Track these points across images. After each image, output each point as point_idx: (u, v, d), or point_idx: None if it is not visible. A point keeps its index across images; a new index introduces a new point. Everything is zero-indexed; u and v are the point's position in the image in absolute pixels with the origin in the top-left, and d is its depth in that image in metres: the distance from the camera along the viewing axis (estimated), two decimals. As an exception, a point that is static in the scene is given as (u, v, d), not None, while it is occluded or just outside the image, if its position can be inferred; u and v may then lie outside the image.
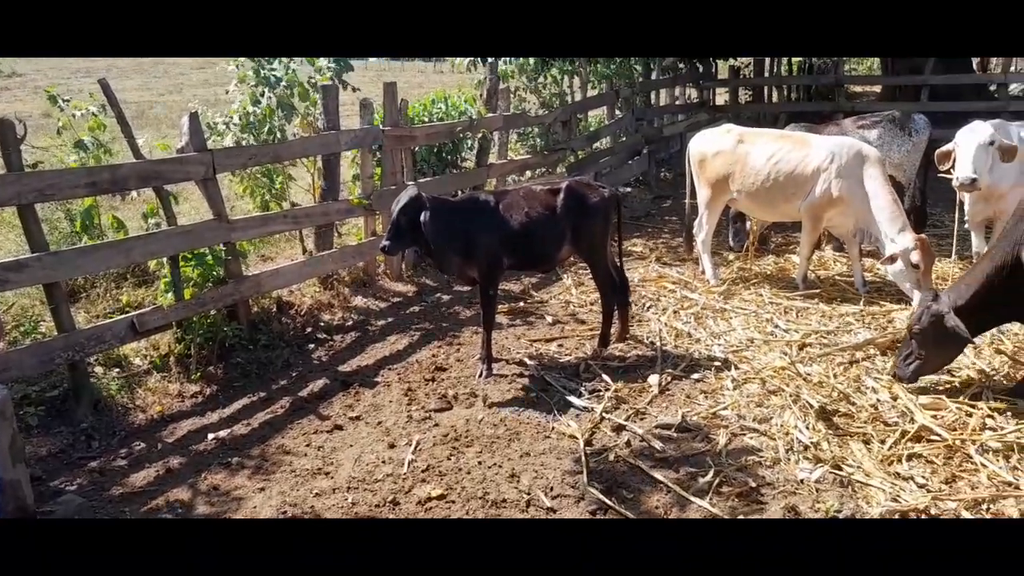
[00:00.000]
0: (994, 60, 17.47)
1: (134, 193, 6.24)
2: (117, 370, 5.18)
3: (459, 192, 7.71)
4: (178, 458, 4.33)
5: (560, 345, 5.76)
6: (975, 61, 20.26)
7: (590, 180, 6.11)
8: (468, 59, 11.46)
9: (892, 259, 5.83)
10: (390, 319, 6.52)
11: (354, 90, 7.35)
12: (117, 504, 3.88)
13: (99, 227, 6.05)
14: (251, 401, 5.04)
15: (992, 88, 14.80)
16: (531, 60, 11.22)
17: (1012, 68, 20.25)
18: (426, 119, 8.47)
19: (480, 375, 5.19)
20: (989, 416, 4.23)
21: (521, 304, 6.75)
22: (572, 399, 4.79)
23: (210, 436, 4.57)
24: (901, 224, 5.92)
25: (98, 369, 5.08)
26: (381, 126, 7.09)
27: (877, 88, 18.26)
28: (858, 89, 20.78)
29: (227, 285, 5.60)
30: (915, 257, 5.66)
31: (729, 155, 6.72)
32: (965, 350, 4.62)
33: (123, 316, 5.04)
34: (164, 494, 3.95)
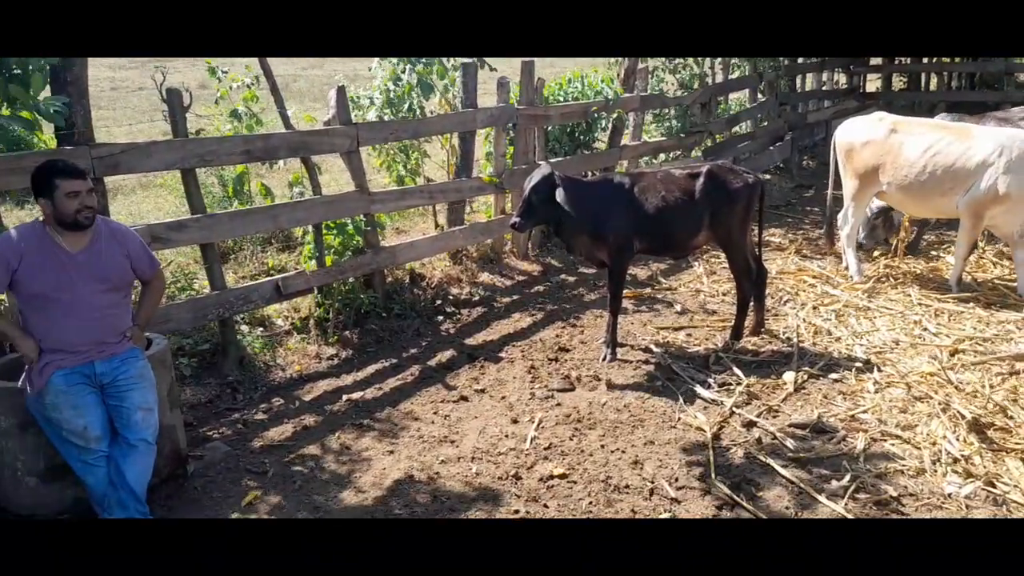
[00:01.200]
0: None
1: (281, 163, 6.57)
2: (261, 329, 5.50)
3: (590, 173, 7.64)
4: (313, 416, 4.55)
5: (688, 335, 5.61)
6: None
7: (732, 165, 5.90)
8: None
9: None
10: (515, 297, 6.57)
11: (491, 69, 7.40)
12: (258, 455, 4.12)
13: (248, 193, 6.42)
14: (383, 367, 5.22)
15: None
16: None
17: None
18: (561, 98, 8.41)
19: (604, 358, 5.14)
20: None
21: (648, 290, 6.62)
22: (700, 390, 4.66)
23: (344, 397, 4.77)
24: None
25: (244, 327, 5.40)
26: (516, 105, 7.11)
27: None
28: None
29: (365, 255, 5.80)
30: None
31: (880, 145, 6.30)
32: None
33: (268, 279, 5.33)
34: (300, 449, 4.16)
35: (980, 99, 13.28)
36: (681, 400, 4.57)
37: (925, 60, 16.81)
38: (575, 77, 8.96)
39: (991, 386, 4.48)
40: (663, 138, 9.69)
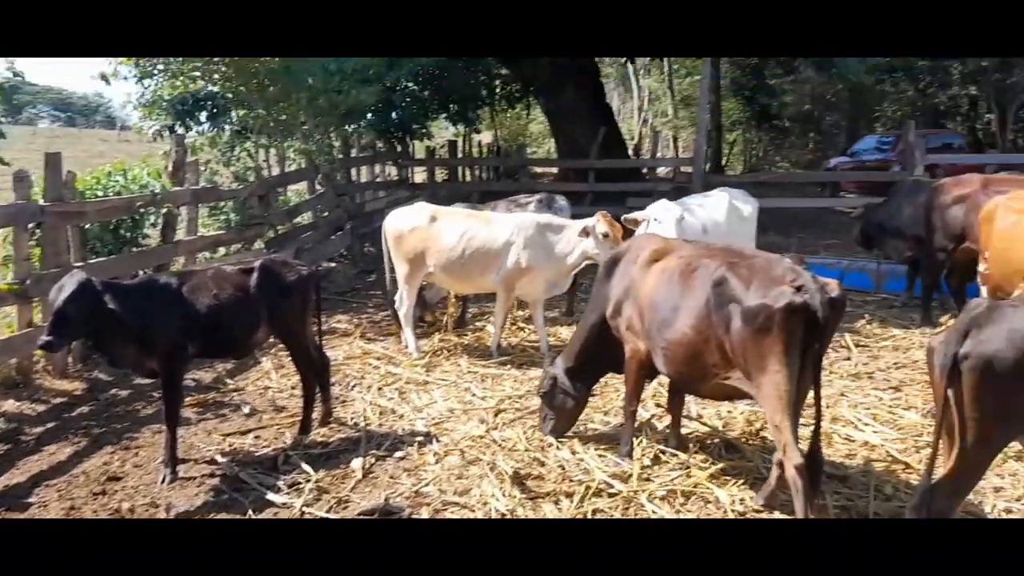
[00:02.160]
0: (645, 146, 20.49)
1: None
2: None
3: (141, 273, 7.03)
4: None
5: (257, 437, 5.41)
6: (631, 148, 23.56)
7: (286, 258, 5.94)
8: (154, 127, 10.70)
9: (586, 232, 6.60)
10: (51, 424, 5.65)
11: (4, 163, 6.44)
12: None
13: None
14: None
15: (644, 171, 17.22)
16: (225, 132, 10.80)
17: (659, 154, 23.93)
18: (100, 193, 7.67)
19: (163, 480, 4.66)
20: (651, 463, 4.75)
21: (213, 394, 6.26)
22: (271, 496, 4.49)
23: None
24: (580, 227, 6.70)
25: None
26: (42, 201, 6.26)
27: (555, 169, 20.31)
28: (539, 170, 23.01)
29: None
30: (600, 227, 6.50)
31: (424, 231, 6.98)
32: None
33: None
34: None
35: (505, 188, 15.62)
36: (251, 511, 4.34)
37: (460, 155, 19.28)
38: (116, 170, 8.26)
39: (527, 438, 5.14)
40: (221, 232, 9.41)
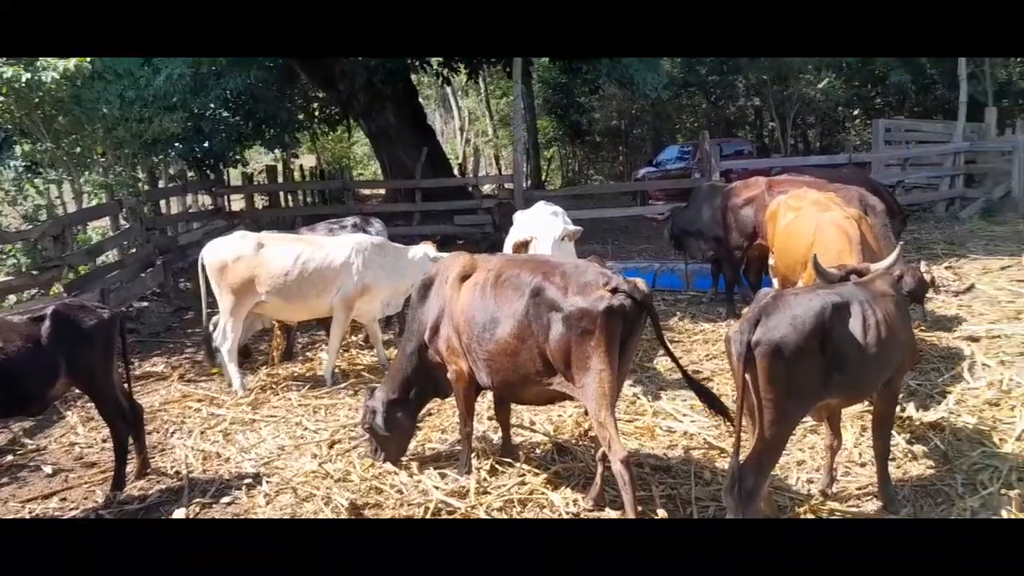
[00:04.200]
0: (470, 165, 20.82)
1: None
2: None
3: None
4: None
5: (64, 499, 4.92)
6: (456, 167, 23.88)
7: (84, 301, 5.46)
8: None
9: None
10: None
11: None
12: None
13: None
14: None
15: (469, 189, 17.47)
16: (8, 169, 9.82)
17: (481, 172, 24.42)
18: None
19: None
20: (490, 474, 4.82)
21: (9, 458, 5.62)
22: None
23: None
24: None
25: None
26: None
27: (382, 191, 20.16)
28: (368, 192, 22.74)
29: None
30: (431, 252, 6.86)
31: (252, 259, 6.71)
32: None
33: None
34: None
35: (330, 212, 15.27)
36: (57, 581, 3.93)
37: (280, 181, 18.66)
38: None
39: (363, 467, 5.03)
40: (10, 277, 8.51)
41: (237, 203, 16.91)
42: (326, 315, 7.02)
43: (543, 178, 29.36)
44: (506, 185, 16.38)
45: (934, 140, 16.81)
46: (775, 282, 6.69)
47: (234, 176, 17.30)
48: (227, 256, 6.77)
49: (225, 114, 14.84)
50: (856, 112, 25.96)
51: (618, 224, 16.18)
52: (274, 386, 6.90)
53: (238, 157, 15.92)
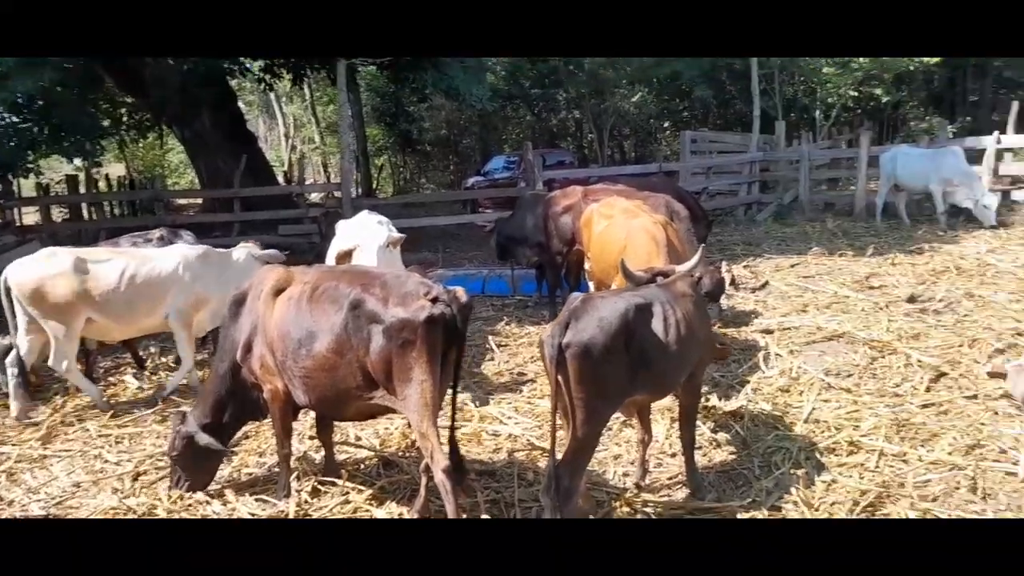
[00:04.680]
0: (296, 174, 20.12)
1: None
2: None
3: None
4: None
5: None
6: (281, 175, 23.00)
7: None
8: None
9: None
10: None
11: None
12: None
13: None
14: None
15: (295, 197, 16.87)
16: None
17: (309, 180, 23.73)
18: None
19: None
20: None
21: None
22: None
23: None
24: None
25: None
26: None
27: (199, 200, 19.05)
28: (184, 202, 21.41)
29: None
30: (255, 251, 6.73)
31: (72, 277, 6.12)
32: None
33: None
34: None
35: (140, 224, 14.19)
36: None
37: (83, 191, 17.12)
38: None
39: (171, 498, 4.67)
40: None
41: (30, 216, 15.32)
42: (165, 330, 6.65)
43: (374, 186, 28.98)
44: (335, 193, 16.00)
45: (733, 150, 18.34)
46: (591, 286, 6.98)
47: (27, 187, 15.65)
48: (44, 275, 6.14)
49: (15, 120, 13.43)
50: (666, 124, 27.78)
51: (449, 231, 16.28)
52: (71, 417, 6.27)
53: (30, 166, 14.43)
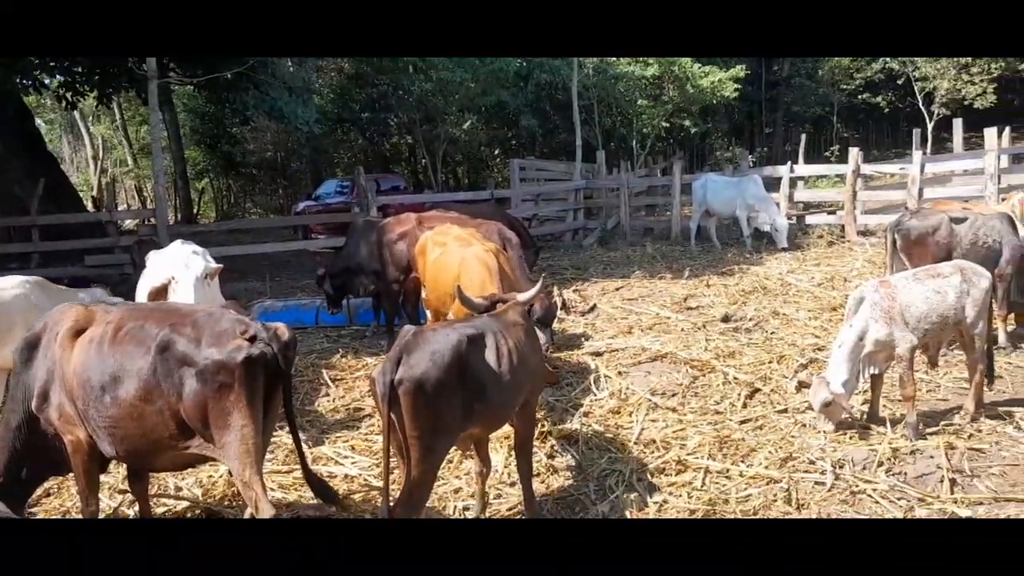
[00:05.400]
0: (106, 202, 18.48)
1: None
2: None
3: None
4: None
5: None
6: (90, 200, 21.08)
7: None
8: None
9: None
10: None
11: None
12: None
13: None
14: None
15: (105, 224, 15.45)
16: None
17: (121, 206, 21.96)
18: None
19: None
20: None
21: None
22: None
23: None
24: None
25: None
26: None
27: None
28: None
29: None
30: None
31: None
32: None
33: None
34: None
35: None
36: None
37: None
38: None
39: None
40: None
41: None
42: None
43: (195, 211, 27.36)
44: (150, 220, 14.86)
45: (559, 178, 19.07)
46: (429, 314, 6.93)
47: None
48: None
49: None
50: (497, 152, 28.43)
51: (279, 259, 15.65)
52: None
53: None
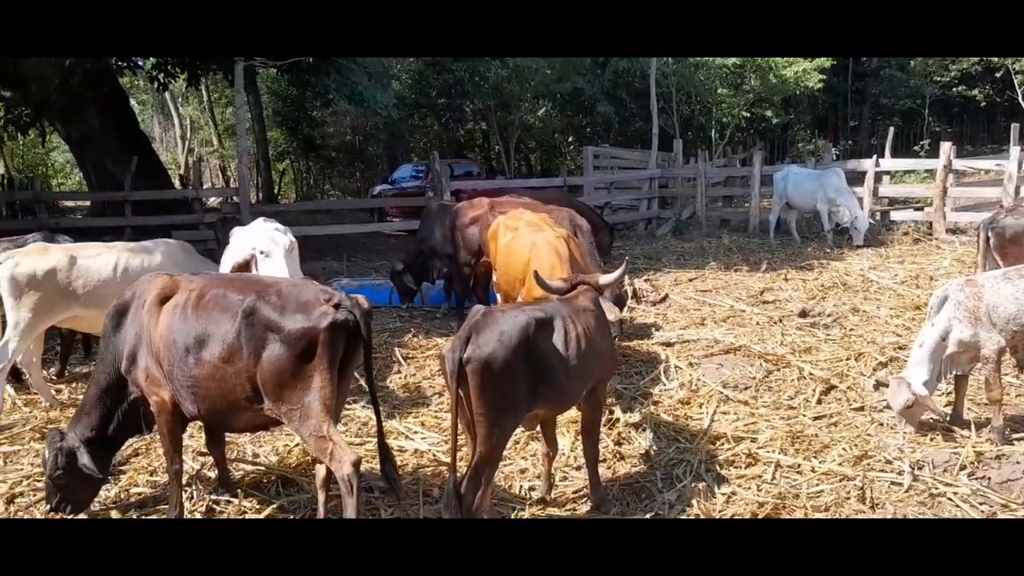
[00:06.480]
0: (193, 180, 19.25)
1: None
2: None
3: None
4: None
5: None
6: (177, 178, 22.00)
7: None
8: None
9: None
10: None
11: None
12: None
13: None
14: None
15: (191, 201, 16.11)
16: None
17: (206, 185, 22.82)
18: None
19: None
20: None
21: None
22: None
23: None
24: None
25: None
26: None
27: (88, 203, 18.00)
28: (71, 204, 20.20)
29: None
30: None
31: (68, 271, 6.15)
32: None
33: None
34: None
35: (20, 226, 13.22)
36: None
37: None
38: None
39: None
40: None
41: None
42: None
43: (276, 192, 28.19)
44: (233, 199, 15.41)
45: (634, 167, 18.84)
46: (499, 297, 6.99)
47: None
48: (37, 270, 6.06)
49: None
50: (570, 139, 28.28)
51: (355, 240, 16.00)
52: (-67, 437, 5.77)
53: None
